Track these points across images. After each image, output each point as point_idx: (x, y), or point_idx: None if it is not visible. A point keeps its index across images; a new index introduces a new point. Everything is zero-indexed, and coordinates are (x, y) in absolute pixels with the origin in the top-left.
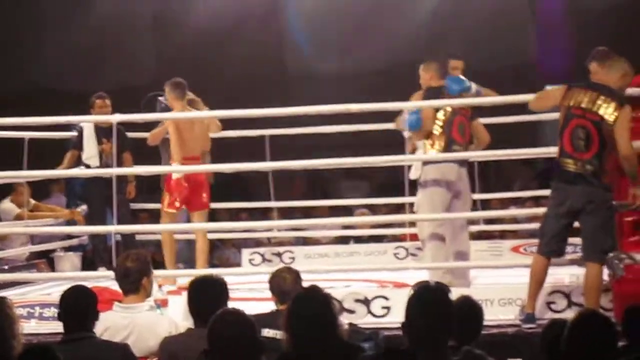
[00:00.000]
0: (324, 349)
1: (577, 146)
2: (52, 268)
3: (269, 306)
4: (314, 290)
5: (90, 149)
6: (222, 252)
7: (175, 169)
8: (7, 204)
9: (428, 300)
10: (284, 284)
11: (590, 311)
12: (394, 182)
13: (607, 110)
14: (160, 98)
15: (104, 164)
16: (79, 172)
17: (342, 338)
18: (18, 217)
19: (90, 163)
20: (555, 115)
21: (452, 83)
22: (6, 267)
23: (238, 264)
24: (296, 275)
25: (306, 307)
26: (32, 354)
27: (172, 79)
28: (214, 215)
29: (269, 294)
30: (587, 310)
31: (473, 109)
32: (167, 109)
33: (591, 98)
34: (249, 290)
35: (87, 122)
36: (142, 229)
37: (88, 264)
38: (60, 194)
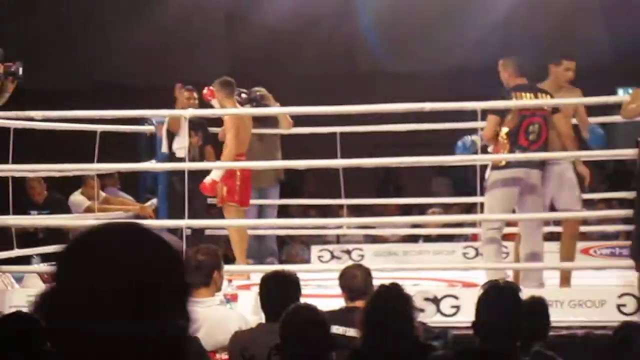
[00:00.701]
0: (398, 346)
1: None
2: None
3: (338, 303)
4: (395, 286)
5: (182, 140)
6: (291, 248)
7: (248, 165)
8: (78, 197)
9: (498, 300)
10: (355, 281)
11: None
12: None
13: None
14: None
15: (191, 158)
16: (149, 165)
17: (418, 336)
18: (88, 210)
19: (179, 154)
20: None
21: (593, 136)
22: None
23: (307, 261)
24: (367, 272)
25: (386, 302)
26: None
27: (221, 77)
28: (284, 212)
29: (337, 291)
30: None
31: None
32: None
33: None
34: (317, 287)
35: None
36: (212, 224)
37: None
38: (114, 188)
